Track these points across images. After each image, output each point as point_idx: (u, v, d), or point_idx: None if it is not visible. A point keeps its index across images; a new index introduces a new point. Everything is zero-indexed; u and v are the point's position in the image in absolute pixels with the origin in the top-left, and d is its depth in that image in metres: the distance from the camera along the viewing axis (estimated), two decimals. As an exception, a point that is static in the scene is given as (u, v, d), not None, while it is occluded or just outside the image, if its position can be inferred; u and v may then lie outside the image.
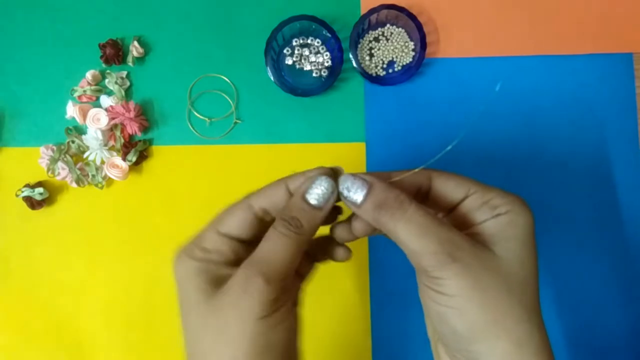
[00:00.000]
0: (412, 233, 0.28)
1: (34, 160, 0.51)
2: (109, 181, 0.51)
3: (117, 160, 0.50)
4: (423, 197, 0.32)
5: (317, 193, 0.30)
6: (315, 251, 0.35)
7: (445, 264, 0.28)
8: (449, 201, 0.32)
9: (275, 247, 0.29)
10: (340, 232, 0.33)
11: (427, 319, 0.35)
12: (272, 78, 0.49)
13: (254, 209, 0.31)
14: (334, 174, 0.31)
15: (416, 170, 0.31)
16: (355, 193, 0.29)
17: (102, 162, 0.50)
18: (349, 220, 0.33)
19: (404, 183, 0.31)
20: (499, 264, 0.29)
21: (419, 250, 0.28)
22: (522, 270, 0.29)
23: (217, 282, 0.29)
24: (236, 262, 0.31)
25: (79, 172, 0.50)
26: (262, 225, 0.32)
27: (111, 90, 0.51)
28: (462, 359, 0.30)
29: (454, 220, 0.32)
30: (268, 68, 0.49)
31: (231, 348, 0.28)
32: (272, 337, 0.28)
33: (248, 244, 0.32)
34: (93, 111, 0.50)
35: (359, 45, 0.50)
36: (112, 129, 0.51)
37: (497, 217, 0.30)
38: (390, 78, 0.50)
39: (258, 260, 0.29)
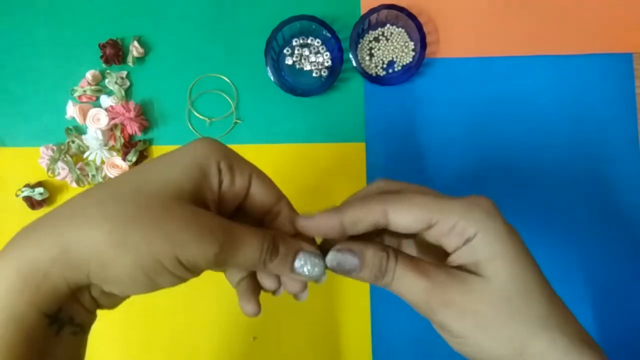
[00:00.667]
0: (404, 286, 0.30)
1: (34, 160, 0.50)
2: (109, 181, 0.51)
3: (117, 160, 0.50)
4: (380, 231, 0.32)
5: (305, 266, 0.31)
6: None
7: (440, 307, 0.28)
8: (411, 232, 0.30)
9: (250, 246, 0.29)
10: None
11: None
12: (272, 78, 0.49)
13: (281, 202, 0.32)
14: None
15: (370, 201, 0.30)
16: (346, 264, 0.30)
17: (102, 162, 0.50)
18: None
19: (359, 227, 0.30)
20: (493, 288, 0.28)
21: (413, 300, 0.29)
22: (518, 283, 0.28)
23: (198, 199, 0.28)
24: (218, 209, 0.30)
25: (79, 172, 0.50)
26: (259, 215, 0.32)
27: (111, 90, 0.51)
28: None
29: (425, 247, 0.32)
30: (268, 68, 0.49)
31: (133, 251, 0.25)
32: (161, 281, 0.27)
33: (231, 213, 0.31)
34: (93, 111, 0.50)
35: (359, 45, 0.50)
36: (112, 129, 0.51)
37: (469, 243, 0.29)
38: (390, 78, 0.50)
39: (236, 237, 0.28)
